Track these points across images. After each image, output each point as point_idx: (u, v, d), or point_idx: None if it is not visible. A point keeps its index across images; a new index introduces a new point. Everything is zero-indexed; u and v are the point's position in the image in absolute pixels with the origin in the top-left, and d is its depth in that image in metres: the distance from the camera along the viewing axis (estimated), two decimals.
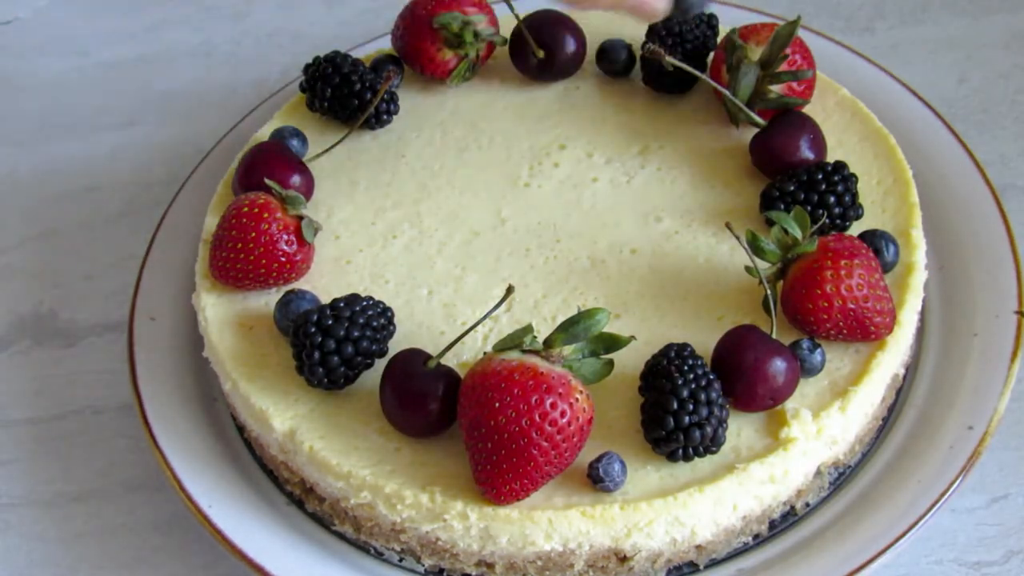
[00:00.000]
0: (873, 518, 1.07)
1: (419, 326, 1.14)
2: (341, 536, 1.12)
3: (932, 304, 1.21)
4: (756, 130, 1.21)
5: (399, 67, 1.35)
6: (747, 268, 1.08)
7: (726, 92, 1.21)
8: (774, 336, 1.04)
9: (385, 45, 1.38)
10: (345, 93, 1.28)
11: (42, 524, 1.22)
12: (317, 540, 1.12)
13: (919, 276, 1.13)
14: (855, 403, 1.05)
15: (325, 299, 1.12)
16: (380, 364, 1.07)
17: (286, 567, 1.07)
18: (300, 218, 1.15)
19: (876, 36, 1.58)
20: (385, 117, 1.30)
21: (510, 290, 1.03)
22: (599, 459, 1.00)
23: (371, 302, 1.09)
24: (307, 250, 1.16)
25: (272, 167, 1.19)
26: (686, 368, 1.00)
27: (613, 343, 1.01)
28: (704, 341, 1.05)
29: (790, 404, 1.04)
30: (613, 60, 1.33)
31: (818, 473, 1.08)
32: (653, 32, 1.28)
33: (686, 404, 0.98)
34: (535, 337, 0.99)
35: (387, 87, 1.26)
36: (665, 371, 1.01)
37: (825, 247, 1.06)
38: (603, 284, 1.15)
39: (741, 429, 1.03)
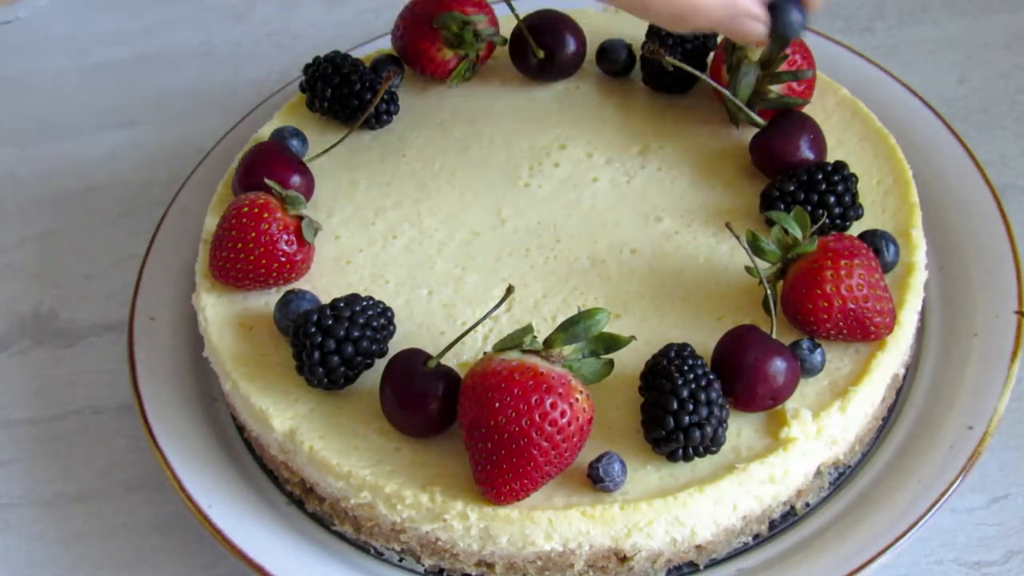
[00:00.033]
0: (873, 518, 1.07)
1: (419, 326, 1.14)
2: (341, 536, 1.12)
3: (932, 304, 1.21)
4: (756, 130, 1.21)
5: (399, 67, 1.34)
6: (747, 268, 1.08)
7: (726, 92, 1.21)
8: (774, 336, 1.04)
9: (385, 45, 1.38)
10: (345, 93, 1.28)
11: (42, 524, 1.22)
12: (317, 540, 1.11)
13: (919, 276, 1.13)
14: (855, 403, 1.05)
15: (325, 299, 1.12)
16: (380, 364, 1.07)
17: (286, 567, 1.07)
18: (300, 218, 1.15)
19: (876, 36, 1.58)
20: (385, 117, 1.30)
21: (510, 290, 1.03)
22: (599, 459, 1.00)
23: (371, 302, 1.09)
24: (307, 250, 1.16)
25: (272, 167, 1.19)
26: (686, 368, 1.00)
27: (613, 343, 1.00)
28: (704, 341, 1.05)
29: (790, 404, 1.04)
30: (613, 60, 1.33)
31: (818, 473, 1.08)
32: (653, 32, 1.28)
33: (686, 404, 0.98)
34: (535, 337, 0.99)
35: (387, 87, 1.26)
36: (665, 371, 1.01)
37: (825, 247, 1.05)
38: (603, 284, 1.15)
39: (741, 429, 1.03)
